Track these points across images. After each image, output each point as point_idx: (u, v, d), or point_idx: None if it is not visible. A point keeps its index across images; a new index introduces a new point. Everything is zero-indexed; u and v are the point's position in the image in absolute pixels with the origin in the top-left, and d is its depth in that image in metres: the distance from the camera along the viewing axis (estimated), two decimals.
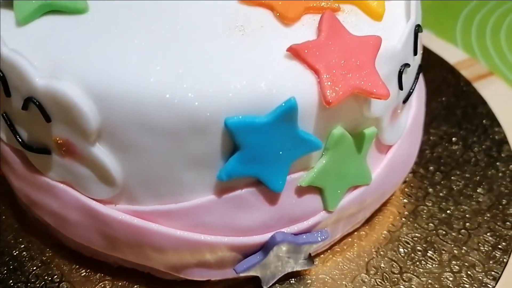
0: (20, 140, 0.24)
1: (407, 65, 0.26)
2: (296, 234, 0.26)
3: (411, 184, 0.34)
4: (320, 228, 0.26)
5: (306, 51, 0.22)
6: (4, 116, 0.24)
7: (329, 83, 0.22)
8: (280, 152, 0.23)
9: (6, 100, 0.24)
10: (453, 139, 0.37)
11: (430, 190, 0.34)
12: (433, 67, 0.44)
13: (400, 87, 0.26)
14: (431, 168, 0.35)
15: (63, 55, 0.22)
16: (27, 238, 0.31)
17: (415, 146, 0.32)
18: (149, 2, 0.24)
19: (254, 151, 0.22)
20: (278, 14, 0.24)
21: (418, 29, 0.26)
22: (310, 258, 0.28)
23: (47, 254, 0.30)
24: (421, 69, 0.28)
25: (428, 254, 0.30)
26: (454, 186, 0.34)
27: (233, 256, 0.26)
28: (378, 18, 0.25)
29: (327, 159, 0.24)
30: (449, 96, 0.41)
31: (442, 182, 0.34)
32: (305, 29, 0.24)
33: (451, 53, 0.50)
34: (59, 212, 0.26)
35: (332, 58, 0.22)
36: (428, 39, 0.50)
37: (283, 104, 0.21)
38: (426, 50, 0.45)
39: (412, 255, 0.30)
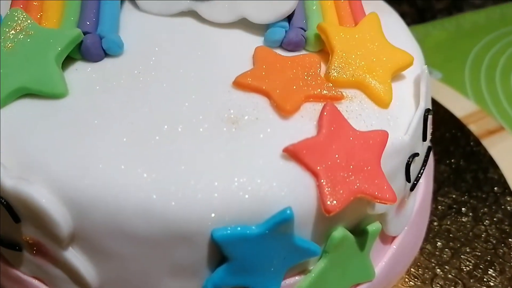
0: None
1: (415, 154, 0.24)
2: None
3: (418, 263, 0.32)
4: None
5: (304, 151, 0.20)
6: None
7: (329, 188, 0.20)
8: (274, 261, 0.20)
9: None
10: (463, 209, 0.35)
11: (438, 270, 0.31)
12: (441, 124, 0.42)
13: (408, 179, 0.23)
14: (439, 243, 0.33)
15: (34, 152, 0.20)
16: None
17: (422, 229, 0.30)
18: (133, 87, 0.22)
19: (244, 262, 0.20)
20: (274, 104, 0.22)
21: (428, 113, 0.24)
22: None
23: None
24: (430, 150, 0.26)
25: None
26: (463, 267, 0.31)
27: None
28: (385, 106, 0.23)
29: (326, 262, 0.22)
30: (458, 158, 0.39)
31: (451, 261, 0.32)
32: (305, 122, 0.21)
33: (459, 104, 0.48)
34: None
35: (333, 159, 0.20)
36: (435, 87, 0.48)
37: (278, 215, 0.19)
38: (433, 102, 0.43)
39: None
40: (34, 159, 0.20)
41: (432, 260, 0.32)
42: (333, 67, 0.23)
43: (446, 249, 0.32)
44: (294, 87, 0.22)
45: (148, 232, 0.19)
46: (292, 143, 0.20)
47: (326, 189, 0.20)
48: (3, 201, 0.20)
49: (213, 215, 0.19)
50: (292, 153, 0.20)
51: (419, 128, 0.24)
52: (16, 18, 0.22)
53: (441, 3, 0.73)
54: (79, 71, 0.23)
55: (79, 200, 0.19)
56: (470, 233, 0.34)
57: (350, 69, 0.23)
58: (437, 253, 0.32)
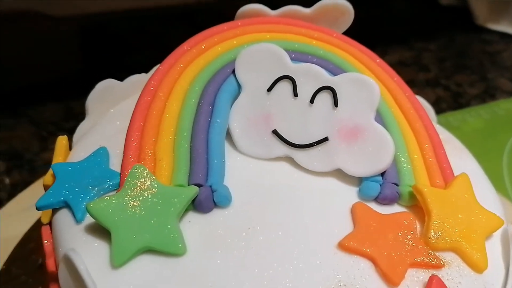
0: None
1: None
2: None
3: None
4: None
5: None
6: None
7: None
8: None
9: None
10: None
11: None
12: None
13: None
14: None
15: None
16: None
17: None
18: (244, 247, 0.24)
19: None
20: (380, 271, 0.23)
21: None
22: None
23: None
24: None
25: None
26: None
27: None
28: (480, 272, 0.24)
29: None
30: None
31: None
32: None
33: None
34: None
35: None
36: None
37: None
38: None
39: None
40: None
41: None
42: (432, 232, 0.24)
43: None
44: (398, 252, 0.24)
45: None
46: None
47: None
48: None
49: None
50: None
51: None
52: (139, 175, 0.24)
53: (474, 89, 0.76)
54: (192, 223, 0.24)
55: None
56: None
57: (447, 233, 0.24)
58: None
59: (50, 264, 0.25)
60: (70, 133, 0.63)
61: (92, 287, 0.21)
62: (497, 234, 0.26)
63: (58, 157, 0.29)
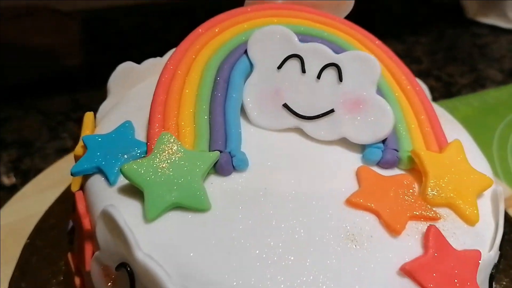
0: None
1: (496, 265, 0.28)
2: None
3: None
4: None
5: (417, 270, 0.24)
6: None
7: None
8: None
9: None
10: None
11: None
12: None
13: (490, 287, 0.27)
14: None
15: (191, 262, 0.24)
16: None
17: None
18: (262, 203, 0.26)
19: None
20: (384, 223, 0.26)
21: (505, 231, 0.28)
22: None
23: None
24: (501, 257, 0.30)
25: None
26: None
27: None
28: (472, 224, 0.27)
29: None
30: (505, 246, 0.43)
31: None
32: (411, 240, 0.26)
33: None
34: None
35: (441, 277, 0.24)
36: None
37: None
38: None
39: None
40: (192, 269, 0.24)
41: None
42: (429, 189, 0.27)
43: None
44: (399, 207, 0.26)
45: None
46: (405, 261, 0.24)
47: None
48: None
49: None
50: (408, 272, 0.24)
51: (498, 244, 0.28)
52: (167, 141, 0.27)
53: (464, 79, 0.79)
54: (214, 185, 0.27)
55: None
56: None
57: (442, 191, 0.27)
58: None
59: (86, 224, 0.27)
60: (77, 123, 0.65)
61: (130, 236, 0.24)
62: (487, 194, 0.29)
63: (86, 131, 0.31)
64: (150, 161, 0.26)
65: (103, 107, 0.34)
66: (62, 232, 0.41)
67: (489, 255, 0.26)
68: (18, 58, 0.66)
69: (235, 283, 0.23)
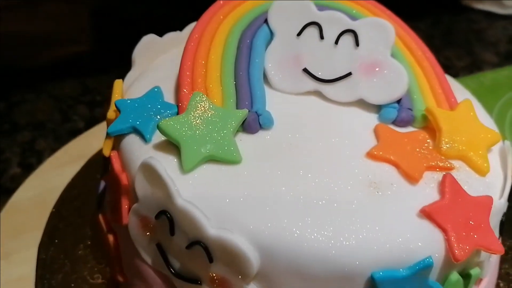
0: (172, 269, 0.28)
1: (505, 213, 0.30)
2: None
3: None
4: None
5: (435, 212, 0.26)
6: (159, 247, 0.28)
7: (456, 242, 0.26)
8: None
9: (165, 236, 0.27)
10: None
11: None
12: None
13: (501, 234, 0.29)
14: (502, 285, 0.38)
15: (228, 207, 0.26)
16: None
17: (496, 272, 0.35)
18: (289, 156, 0.28)
19: None
20: (402, 172, 0.28)
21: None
22: None
23: None
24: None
25: None
26: None
27: None
28: (483, 175, 0.29)
29: None
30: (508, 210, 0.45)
31: None
32: (428, 188, 0.28)
33: None
34: None
35: (456, 219, 0.26)
36: None
37: (422, 262, 0.25)
38: None
39: None
40: (229, 213, 0.26)
41: None
42: (443, 143, 0.29)
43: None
44: (416, 159, 0.28)
45: (319, 274, 0.25)
46: (423, 205, 0.26)
47: (454, 241, 0.25)
48: (202, 244, 0.25)
49: (372, 261, 0.25)
50: (427, 214, 0.26)
51: (507, 193, 0.30)
52: (199, 100, 0.28)
53: (461, 62, 0.81)
54: (243, 141, 0.29)
55: (267, 246, 0.25)
56: None
57: (455, 144, 0.29)
58: None
59: (123, 179, 0.29)
60: (88, 105, 0.66)
61: (171, 183, 0.26)
62: (496, 149, 0.31)
63: (116, 96, 0.33)
64: (185, 118, 0.28)
65: (129, 77, 0.36)
66: (85, 202, 0.43)
67: (500, 202, 0.28)
68: (28, 44, 0.67)
69: (269, 225, 0.25)
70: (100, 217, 0.35)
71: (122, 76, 0.36)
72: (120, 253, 0.33)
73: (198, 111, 0.28)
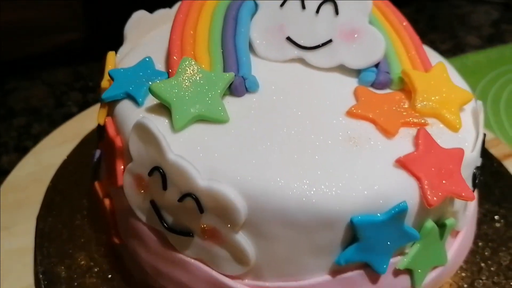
0: (165, 224, 0.29)
1: (478, 167, 0.32)
2: None
3: (466, 259, 0.39)
4: None
5: (410, 162, 0.28)
6: (153, 204, 0.29)
7: (429, 189, 0.27)
8: (388, 243, 0.28)
9: (158, 192, 0.29)
10: (495, 217, 0.43)
11: (483, 265, 0.39)
12: None
13: (474, 186, 0.31)
14: (481, 244, 0.40)
15: (217, 160, 0.28)
16: None
17: (473, 228, 0.37)
18: (275, 115, 0.30)
19: (369, 242, 0.27)
20: (380, 128, 0.30)
21: (484, 137, 0.32)
22: None
23: None
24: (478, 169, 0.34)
25: None
26: (502, 262, 0.39)
27: None
28: (456, 131, 0.31)
29: (419, 246, 0.30)
30: (486, 176, 0.47)
31: (491, 257, 0.39)
32: (403, 142, 0.30)
33: None
34: (188, 284, 0.31)
35: (429, 168, 0.28)
36: None
37: (397, 206, 0.27)
38: None
39: None
40: (218, 166, 0.27)
41: (477, 256, 0.39)
42: (418, 101, 0.31)
43: (487, 248, 0.40)
44: (392, 116, 0.30)
45: (303, 220, 0.27)
46: (399, 156, 0.28)
47: (428, 188, 0.27)
48: (194, 196, 0.27)
49: (352, 207, 0.27)
50: (402, 163, 0.28)
51: (479, 148, 0.32)
52: (188, 64, 0.30)
53: (445, 45, 0.84)
54: (230, 103, 0.31)
55: (254, 195, 0.27)
56: (504, 235, 0.41)
57: (429, 103, 0.31)
58: (480, 251, 0.40)
59: (118, 142, 0.31)
60: (81, 92, 0.68)
61: (163, 140, 0.27)
62: (468, 108, 0.33)
63: (109, 67, 0.35)
64: (175, 81, 0.29)
65: (121, 51, 0.38)
66: (82, 177, 0.44)
67: (472, 154, 0.30)
68: (22, 33, 0.68)
69: (256, 175, 0.27)
70: (96, 184, 0.36)
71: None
72: (116, 216, 0.34)
73: (187, 74, 0.30)
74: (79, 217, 0.41)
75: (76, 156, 0.47)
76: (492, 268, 0.39)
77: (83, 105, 0.63)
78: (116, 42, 0.39)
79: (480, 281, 0.38)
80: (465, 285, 0.37)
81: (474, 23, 0.92)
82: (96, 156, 0.37)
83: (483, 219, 0.43)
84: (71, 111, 0.63)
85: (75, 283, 0.36)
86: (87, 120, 0.53)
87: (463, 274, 0.38)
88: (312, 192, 0.27)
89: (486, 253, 0.40)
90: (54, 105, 0.64)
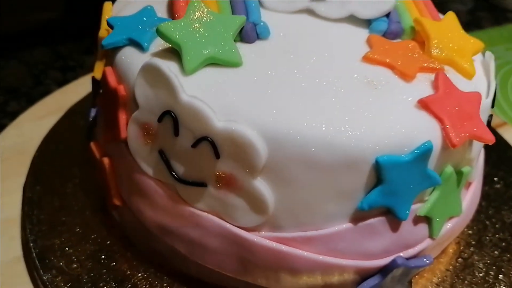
0: (175, 175, 0.27)
1: (491, 116, 0.31)
2: (407, 259, 0.30)
3: (471, 218, 0.39)
4: (424, 254, 0.30)
5: (432, 103, 0.27)
6: (161, 153, 0.28)
7: (452, 130, 0.27)
8: (411, 186, 0.27)
9: (168, 139, 0.27)
10: (495, 178, 0.43)
11: (487, 222, 0.39)
12: None
13: None
14: (484, 203, 0.40)
15: (234, 101, 0.26)
16: (142, 267, 0.33)
17: (481, 183, 0.37)
18: (289, 60, 0.29)
19: (393, 185, 0.26)
20: (398, 72, 0.29)
21: (496, 87, 0.32)
22: (410, 283, 0.32)
23: (166, 281, 0.32)
24: (492, 116, 0.34)
25: (499, 277, 0.35)
26: (506, 219, 0.39)
27: (355, 278, 0.29)
28: (469, 78, 0.31)
29: (438, 193, 0.29)
30: None
31: (495, 215, 0.39)
32: (422, 85, 0.29)
33: None
34: (198, 239, 0.29)
35: (450, 110, 0.27)
36: None
37: (422, 146, 0.26)
38: None
39: (487, 278, 0.35)
40: (235, 106, 0.26)
41: (481, 215, 0.39)
42: (432, 48, 0.30)
43: (490, 207, 0.40)
44: (409, 61, 0.30)
45: (326, 161, 0.25)
46: (419, 98, 0.27)
47: (450, 129, 0.27)
48: (210, 139, 0.25)
49: (377, 147, 0.26)
50: (424, 104, 0.27)
51: (492, 95, 0.31)
52: (197, 6, 0.28)
53: None
54: (241, 49, 0.29)
55: (275, 136, 0.25)
56: (504, 195, 0.41)
57: (443, 50, 0.31)
58: (483, 210, 0.40)
59: (121, 90, 0.29)
60: (61, 71, 0.65)
61: (175, 80, 0.26)
62: (478, 58, 0.33)
63: (106, 17, 0.32)
64: (184, 22, 0.28)
65: (117, 3, 0.36)
66: (70, 147, 0.42)
67: (487, 101, 0.30)
68: None
69: (276, 115, 0.26)
70: (92, 145, 0.34)
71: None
72: (116, 175, 0.32)
73: (197, 16, 0.28)
74: (70, 185, 0.38)
75: (62, 126, 0.44)
76: (496, 226, 0.39)
77: (63, 83, 0.60)
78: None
79: (487, 237, 0.38)
80: (473, 242, 0.37)
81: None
82: (91, 115, 0.34)
83: (484, 181, 0.43)
84: (50, 90, 0.59)
85: (71, 251, 0.34)
86: (70, 94, 0.50)
87: (470, 232, 0.38)
88: (335, 132, 0.25)
89: (490, 212, 0.40)
90: (32, 84, 0.61)
